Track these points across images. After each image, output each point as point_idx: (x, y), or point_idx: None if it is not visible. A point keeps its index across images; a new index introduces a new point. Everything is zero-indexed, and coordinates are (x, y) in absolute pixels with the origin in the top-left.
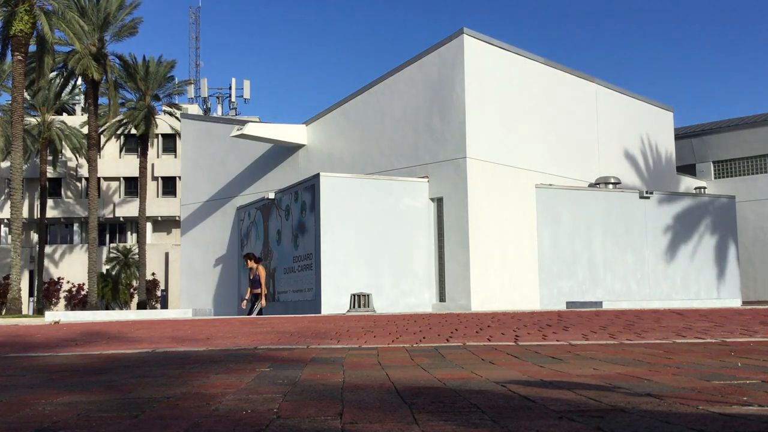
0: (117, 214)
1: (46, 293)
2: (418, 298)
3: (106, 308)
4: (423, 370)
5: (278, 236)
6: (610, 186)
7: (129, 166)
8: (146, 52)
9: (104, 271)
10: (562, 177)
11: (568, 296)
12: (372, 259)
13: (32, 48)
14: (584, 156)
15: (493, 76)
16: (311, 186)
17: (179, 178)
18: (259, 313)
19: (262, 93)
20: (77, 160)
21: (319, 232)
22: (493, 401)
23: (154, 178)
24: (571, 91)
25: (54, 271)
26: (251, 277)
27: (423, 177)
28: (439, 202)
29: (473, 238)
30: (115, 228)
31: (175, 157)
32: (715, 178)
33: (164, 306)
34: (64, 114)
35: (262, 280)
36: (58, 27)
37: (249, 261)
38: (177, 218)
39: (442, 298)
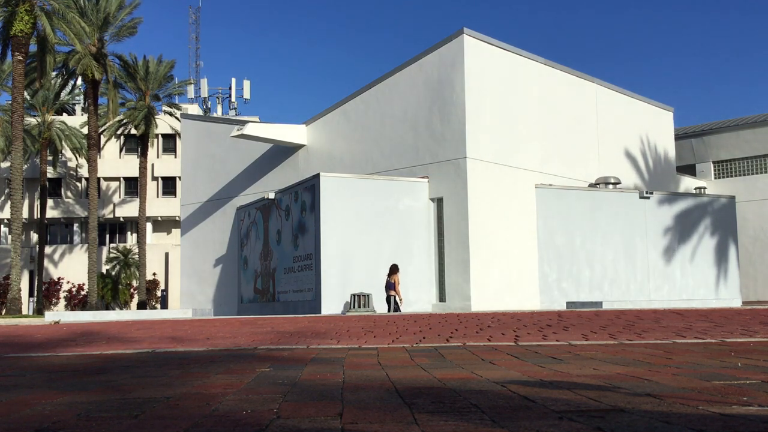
0: (117, 214)
1: (46, 293)
2: (418, 298)
3: (106, 308)
4: (423, 370)
5: (278, 236)
6: (610, 186)
7: (129, 166)
8: (146, 52)
9: (104, 271)
10: (562, 177)
11: (568, 296)
12: (372, 259)
13: (32, 48)
14: (584, 156)
15: (493, 76)
16: (311, 186)
17: (179, 178)
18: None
19: (262, 93)
20: (77, 160)
21: (319, 232)
22: (493, 401)
23: (154, 178)
24: (571, 91)
25: (54, 271)
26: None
27: (423, 177)
28: (439, 202)
29: (473, 238)
30: (115, 228)
31: (175, 157)
32: (715, 178)
33: (164, 306)
34: (64, 114)
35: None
36: (59, 27)
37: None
38: (177, 218)
39: (442, 298)
